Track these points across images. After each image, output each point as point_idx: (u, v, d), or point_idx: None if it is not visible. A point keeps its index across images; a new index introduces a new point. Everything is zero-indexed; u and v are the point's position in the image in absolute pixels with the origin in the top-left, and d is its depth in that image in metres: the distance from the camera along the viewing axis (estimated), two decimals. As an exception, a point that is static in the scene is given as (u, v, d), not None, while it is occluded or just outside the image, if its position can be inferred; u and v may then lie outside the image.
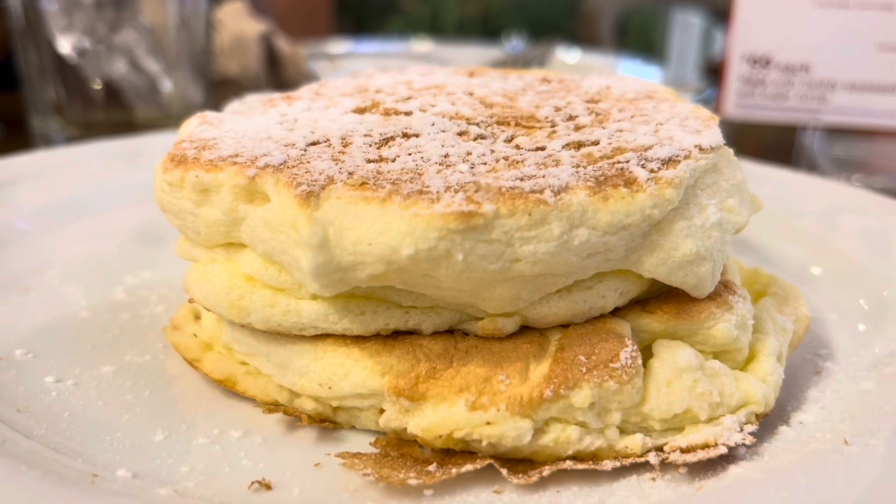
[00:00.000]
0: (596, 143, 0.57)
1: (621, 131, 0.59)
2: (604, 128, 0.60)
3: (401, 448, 0.53)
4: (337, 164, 0.52)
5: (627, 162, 0.53)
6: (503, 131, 0.60)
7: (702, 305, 0.55)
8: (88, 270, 0.79)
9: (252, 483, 0.49)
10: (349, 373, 0.53)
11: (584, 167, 0.52)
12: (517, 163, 0.53)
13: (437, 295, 0.51)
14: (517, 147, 0.56)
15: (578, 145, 0.57)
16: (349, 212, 0.48)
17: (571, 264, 0.50)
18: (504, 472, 0.49)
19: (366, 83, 0.74)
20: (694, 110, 0.65)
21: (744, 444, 0.51)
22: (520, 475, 0.49)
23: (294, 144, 0.56)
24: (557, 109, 0.65)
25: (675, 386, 0.52)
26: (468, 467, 0.49)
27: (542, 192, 0.49)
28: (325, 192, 0.49)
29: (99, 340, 0.67)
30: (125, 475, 0.48)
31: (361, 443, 0.54)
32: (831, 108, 1.13)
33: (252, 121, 0.63)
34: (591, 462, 0.51)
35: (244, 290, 0.55)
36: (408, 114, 0.63)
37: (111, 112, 1.18)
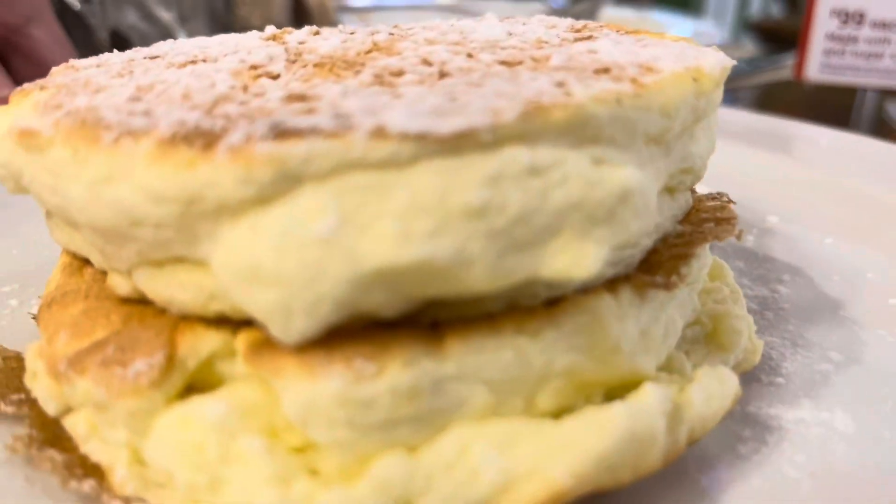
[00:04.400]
0: (313, 98, 0.41)
1: (382, 89, 0.41)
2: (391, 86, 0.42)
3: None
4: (101, 69, 0.51)
5: (251, 122, 0.37)
6: (302, 75, 0.47)
7: (287, 357, 0.36)
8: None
9: None
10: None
11: (240, 119, 0.39)
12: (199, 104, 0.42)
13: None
14: (259, 92, 0.44)
15: (301, 98, 0.42)
16: (8, 113, 0.47)
17: (113, 224, 0.39)
18: (8, 409, 0.44)
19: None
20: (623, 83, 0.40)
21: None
22: (46, 446, 0.42)
23: (132, 59, 0.56)
24: (425, 63, 0.47)
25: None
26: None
27: (119, 128, 0.39)
28: (24, 94, 0.49)
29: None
30: None
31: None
32: (934, 70, 0.88)
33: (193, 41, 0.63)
34: (94, 478, 0.40)
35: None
36: (283, 43, 0.56)
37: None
